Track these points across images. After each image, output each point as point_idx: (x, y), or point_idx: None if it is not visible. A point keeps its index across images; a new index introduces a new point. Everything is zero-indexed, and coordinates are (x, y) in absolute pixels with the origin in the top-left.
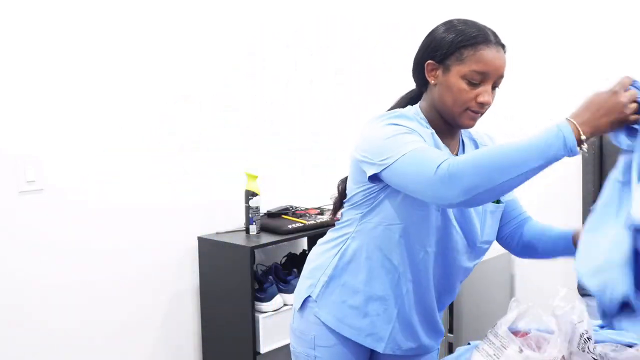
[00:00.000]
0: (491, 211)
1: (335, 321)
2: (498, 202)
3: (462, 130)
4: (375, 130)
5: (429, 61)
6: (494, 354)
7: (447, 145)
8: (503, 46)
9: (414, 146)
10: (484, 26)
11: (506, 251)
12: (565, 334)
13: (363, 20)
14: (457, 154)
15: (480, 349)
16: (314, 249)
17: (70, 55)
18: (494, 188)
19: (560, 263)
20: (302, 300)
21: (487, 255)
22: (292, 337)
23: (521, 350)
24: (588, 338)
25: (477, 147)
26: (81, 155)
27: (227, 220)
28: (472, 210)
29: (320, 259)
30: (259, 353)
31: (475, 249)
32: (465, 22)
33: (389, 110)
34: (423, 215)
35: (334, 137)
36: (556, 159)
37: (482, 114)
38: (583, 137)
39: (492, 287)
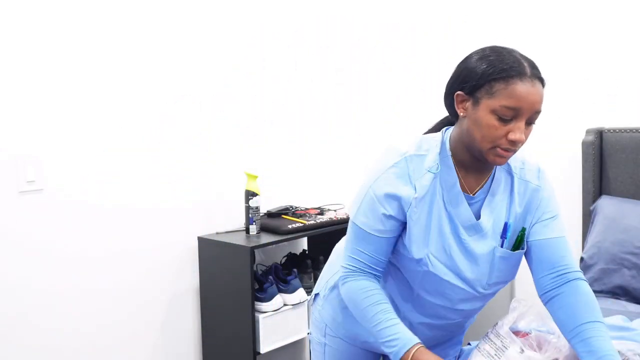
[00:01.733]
0: (502, 257)
1: (336, 324)
2: (519, 244)
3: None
4: (367, 178)
5: (459, 92)
6: (495, 354)
7: (469, 179)
8: (541, 80)
9: (362, 224)
10: (522, 57)
11: None
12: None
13: (363, 20)
14: (479, 190)
15: (481, 349)
16: (338, 244)
17: (70, 55)
18: (357, 319)
19: None
20: (315, 293)
21: None
22: (310, 320)
23: (522, 351)
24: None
25: (512, 184)
26: (81, 155)
27: (227, 220)
28: (477, 256)
29: (336, 259)
30: (259, 353)
31: (483, 294)
32: (500, 52)
33: (426, 133)
34: (404, 261)
35: (334, 137)
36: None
37: (514, 152)
38: None
39: None
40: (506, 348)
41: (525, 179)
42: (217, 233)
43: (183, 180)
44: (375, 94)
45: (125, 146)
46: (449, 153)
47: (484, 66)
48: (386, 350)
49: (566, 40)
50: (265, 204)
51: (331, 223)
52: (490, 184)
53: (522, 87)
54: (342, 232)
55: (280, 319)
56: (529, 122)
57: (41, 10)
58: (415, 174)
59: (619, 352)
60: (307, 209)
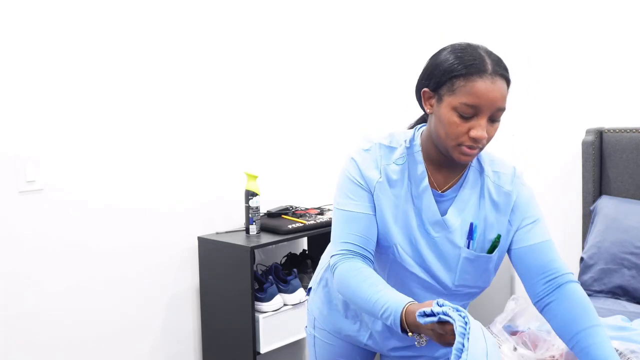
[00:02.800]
0: (467, 258)
1: (322, 317)
2: (491, 250)
3: (475, 162)
4: (343, 165)
5: (425, 89)
6: None
7: (439, 177)
8: (504, 77)
9: (344, 206)
10: (487, 53)
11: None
12: None
13: (364, 20)
14: (449, 188)
15: None
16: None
17: (70, 55)
18: (354, 306)
19: None
20: (309, 287)
21: None
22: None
23: (515, 349)
24: None
25: (482, 187)
26: (81, 155)
27: (227, 220)
28: (444, 253)
29: (325, 256)
30: (259, 353)
31: (452, 291)
32: (464, 49)
33: (410, 126)
34: (379, 250)
35: (335, 137)
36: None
37: (479, 149)
38: (409, 333)
39: (492, 287)
40: (499, 346)
41: (497, 184)
42: (217, 233)
43: (183, 180)
44: (375, 94)
45: (125, 146)
46: (419, 149)
47: (447, 63)
48: (388, 324)
49: (566, 40)
50: (265, 204)
51: (331, 223)
52: (462, 184)
53: (481, 85)
54: None
55: (280, 319)
56: (493, 120)
57: (41, 11)
58: (382, 161)
59: (619, 352)
60: (307, 209)
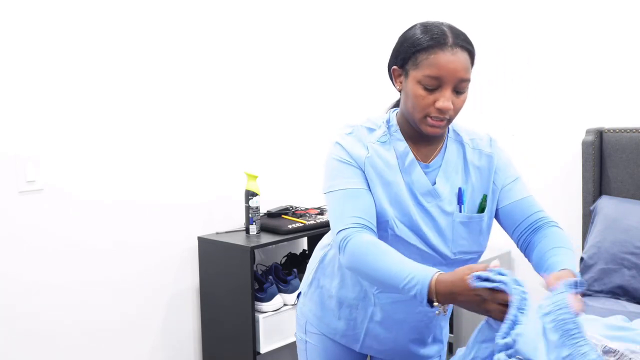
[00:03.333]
0: (462, 222)
1: (316, 319)
2: (481, 210)
3: (452, 133)
4: (328, 152)
5: (394, 67)
6: None
7: (421, 150)
8: (466, 49)
9: (339, 186)
10: (449, 28)
11: (506, 251)
12: None
13: (364, 20)
14: (433, 159)
15: None
16: (320, 242)
17: (70, 55)
18: (367, 280)
19: None
20: (298, 292)
21: (487, 256)
22: (295, 320)
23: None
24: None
25: (464, 153)
26: (81, 155)
27: (227, 220)
28: (438, 222)
29: (313, 258)
30: (259, 353)
31: (451, 260)
32: (426, 26)
33: (389, 108)
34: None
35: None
36: (411, 297)
37: (447, 121)
38: (435, 303)
39: None
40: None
41: (477, 148)
42: (217, 233)
43: (183, 180)
44: (375, 94)
45: (125, 146)
46: (397, 128)
47: (412, 39)
48: (411, 295)
49: (566, 40)
50: (265, 204)
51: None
52: (444, 153)
53: (442, 57)
54: None
55: (280, 319)
56: (458, 91)
57: (41, 11)
58: (366, 139)
59: (619, 352)
60: (307, 209)
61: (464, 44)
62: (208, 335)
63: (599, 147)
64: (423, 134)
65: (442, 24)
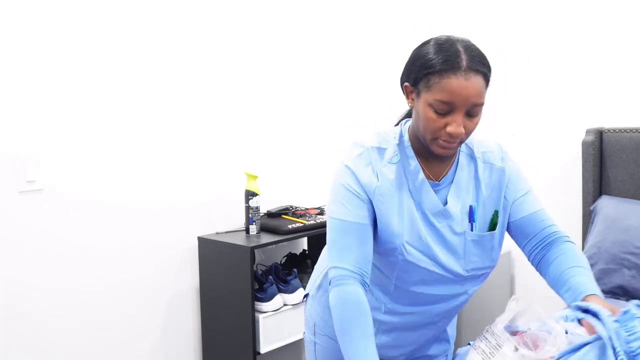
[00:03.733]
0: (474, 240)
1: (323, 322)
2: (493, 228)
3: (463, 147)
4: (336, 173)
5: (406, 83)
6: (490, 352)
7: (432, 167)
8: (481, 72)
9: (342, 216)
10: (464, 48)
11: (506, 251)
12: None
13: (364, 20)
14: (444, 177)
15: (477, 347)
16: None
17: (70, 55)
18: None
19: None
20: (305, 293)
21: None
22: (304, 320)
23: (516, 349)
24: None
25: (476, 168)
26: (81, 155)
27: (227, 220)
28: (450, 241)
29: (321, 259)
30: (259, 353)
31: (464, 278)
32: (441, 44)
33: (396, 124)
34: (380, 254)
35: (334, 137)
36: None
37: (458, 143)
38: None
39: (492, 287)
40: (500, 346)
41: (489, 162)
42: (217, 233)
43: (183, 180)
44: (375, 94)
45: (125, 147)
46: (408, 144)
47: (424, 59)
48: None
49: (566, 40)
50: (265, 204)
51: None
52: (455, 170)
53: (455, 82)
54: None
55: (280, 319)
56: (470, 115)
57: (41, 11)
58: (377, 164)
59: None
60: (307, 209)
61: (479, 67)
62: (208, 335)
63: (599, 147)
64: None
65: (457, 41)
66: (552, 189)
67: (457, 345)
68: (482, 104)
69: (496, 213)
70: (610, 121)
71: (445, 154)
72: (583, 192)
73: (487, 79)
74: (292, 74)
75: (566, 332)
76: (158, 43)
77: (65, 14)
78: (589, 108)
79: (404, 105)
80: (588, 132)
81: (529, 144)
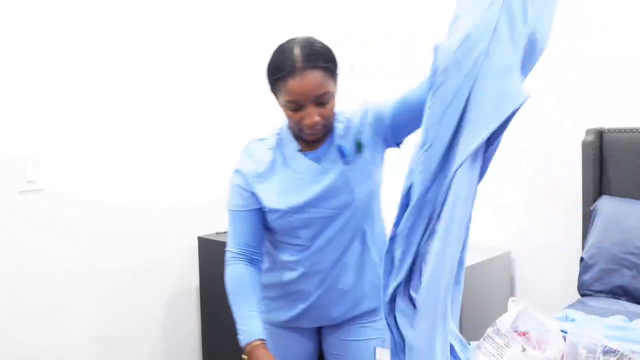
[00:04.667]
0: (350, 169)
1: (264, 314)
2: (360, 150)
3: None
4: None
5: (271, 89)
6: (497, 353)
7: (310, 145)
8: (318, 66)
9: (232, 207)
10: (302, 48)
11: (506, 251)
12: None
13: (364, 20)
14: (320, 148)
15: (482, 348)
16: None
17: (70, 56)
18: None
19: (560, 264)
20: None
21: (487, 256)
22: None
23: (524, 349)
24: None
25: (346, 132)
26: (81, 156)
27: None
28: (334, 189)
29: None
30: None
31: (357, 205)
32: (282, 50)
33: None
34: (276, 227)
35: None
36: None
37: (322, 127)
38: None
39: (492, 287)
40: (508, 347)
41: (357, 119)
42: (217, 233)
43: (183, 180)
44: (374, 94)
45: (125, 147)
46: (288, 132)
47: (271, 67)
48: (238, 335)
49: (566, 40)
50: None
51: None
52: (331, 139)
53: (293, 83)
54: None
55: None
56: (321, 103)
57: (41, 12)
58: (256, 154)
59: (619, 352)
60: None
61: (314, 62)
62: (208, 335)
63: (599, 147)
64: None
65: (296, 43)
66: (552, 189)
67: None
68: (327, 92)
69: (359, 141)
70: (610, 121)
71: (314, 139)
72: (583, 192)
73: (328, 70)
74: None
75: (564, 332)
76: (158, 45)
77: (66, 15)
78: (589, 108)
79: None
80: (588, 132)
81: (529, 144)
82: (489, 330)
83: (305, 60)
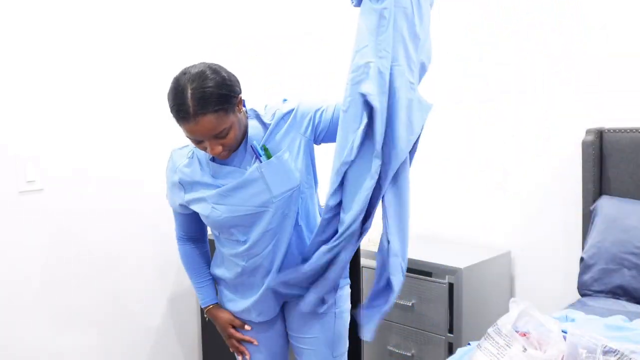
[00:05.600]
0: (266, 167)
1: (237, 309)
2: (269, 156)
3: (249, 111)
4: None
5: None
6: (498, 353)
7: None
8: (211, 111)
9: (170, 205)
10: (192, 91)
11: (506, 251)
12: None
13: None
14: (236, 152)
15: (483, 348)
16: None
17: (70, 56)
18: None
19: (560, 264)
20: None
21: (487, 255)
22: None
23: (525, 349)
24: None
25: (266, 127)
26: (81, 156)
27: None
28: (250, 184)
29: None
30: None
31: (276, 202)
32: (174, 90)
33: None
34: (212, 226)
35: None
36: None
37: (229, 151)
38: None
39: (492, 287)
40: (509, 347)
41: (278, 117)
42: None
43: None
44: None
45: (125, 146)
46: None
47: (169, 103)
48: (199, 300)
49: (566, 40)
50: None
51: None
52: (245, 140)
53: (188, 127)
54: None
55: None
56: (220, 137)
57: (41, 12)
58: (177, 163)
59: (619, 351)
60: None
61: (207, 109)
62: (208, 336)
63: (599, 147)
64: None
65: (188, 83)
66: (552, 189)
67: (457, 344)
68: (223, 130)
69: (263, 146)
70: (610, 121)
71: (224, 158)
72: (583, 192)
73: (222, 110)
74: (291, 74)
75: (564, 332)
76: (159, 44)
77: (66, 15)
78: (589, 108)
79: None
80: (588, 132)
81: (529, 144)
82: (490, 330)
83: (196, 106)
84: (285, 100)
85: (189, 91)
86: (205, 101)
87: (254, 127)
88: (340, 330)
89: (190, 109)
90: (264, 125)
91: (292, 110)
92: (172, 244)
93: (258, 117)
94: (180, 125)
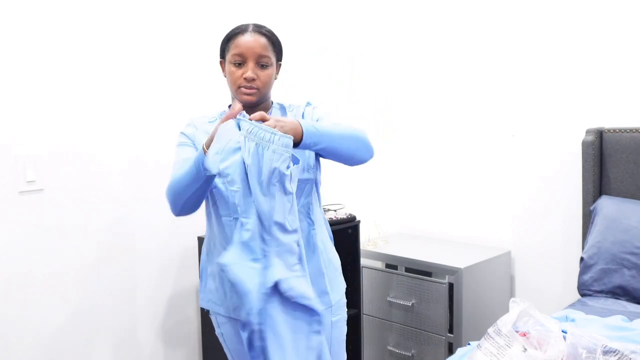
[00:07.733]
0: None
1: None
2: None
3: (275, 104)
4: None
5: (220, 60)
6: (498, 352)
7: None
8: (265, 35)
9: (178, 155)
10: (254, 24)
11: (506, 251)
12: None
13: (363, 21)
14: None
15: (483, 348)
16: (203, 246)
17: (70, 55)
18: (184, 203)
19: (560, 263)
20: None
21: (487, 255)
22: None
23: (525, 349)
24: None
25: (284, 114)
26: (81, 155)
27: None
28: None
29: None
30: None
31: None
32: (237, 25)
33: None
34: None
35: None
36: (199, 170)
37: (257, 90)
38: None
39: (492, 287)
40: (509, 347)
41: (293, 109)
42: None
43: None
44: (372, 94)
45: (125, 146)
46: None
47: (226, 36)
48: (200, 169)
49: (566, 40)
50: None
51: (331, 223)
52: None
53: (242, 39)
54: (342, 232)
55: None
56: (262, 65)
57: (41, 12)
58: (198, 124)
59: (619, 351)
60: None
61: (262, 31)
62: (208, 335)
63: (599, 147)
64: (251, 107)
65: (251, 23)
66: (552, 189)
67: (457, 344)
68: (268, 57)
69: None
70: (610, 121)
71: (248, 100)
72: (583, 192)
73: (272, 43)
74: (290, 74)
75: (564, 332)
76: (160, 44)
77: (66, 14)
78: (589, 108)
79: (403, 105)
80: (588, 132)
81: (529, 144)
82: (490, 330)
83: (255, 27)
84: (309, 103)
85: (253, 23)
86: (264, 28)
87: (275, 113)
88: (340, 339)
89: (249, 27)
90: (283, 111)
91: (307, 106)
92: (172, 244)
93: (282, 108)
94: (230, 45)
